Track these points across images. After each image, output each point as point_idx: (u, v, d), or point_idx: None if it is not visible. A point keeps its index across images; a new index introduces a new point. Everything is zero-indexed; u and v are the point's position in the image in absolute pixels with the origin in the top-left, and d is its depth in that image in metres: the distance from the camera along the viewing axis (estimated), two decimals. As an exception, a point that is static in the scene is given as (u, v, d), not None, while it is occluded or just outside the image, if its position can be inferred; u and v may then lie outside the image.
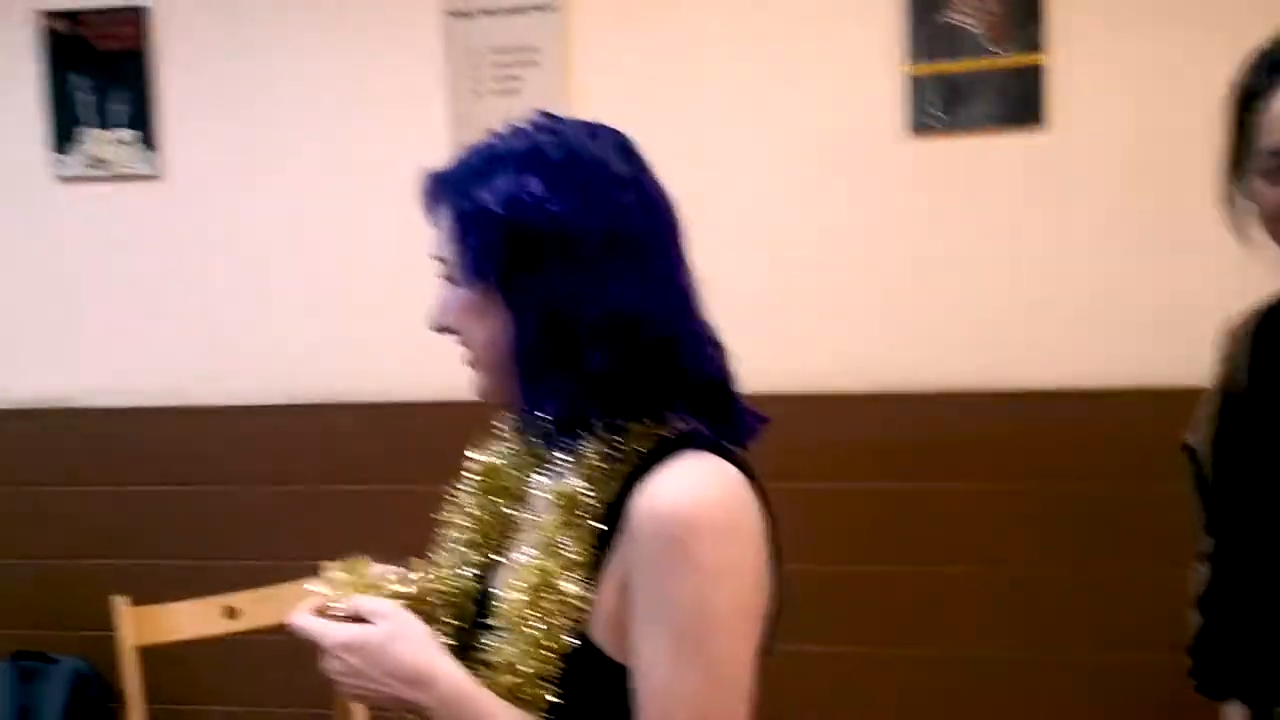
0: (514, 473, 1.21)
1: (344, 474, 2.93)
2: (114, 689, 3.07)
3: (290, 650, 3.04)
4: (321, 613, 1.09)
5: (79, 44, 3.03)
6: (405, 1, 2.88)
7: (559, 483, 1.08)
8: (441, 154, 2.83)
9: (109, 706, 3.06)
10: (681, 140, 2.43)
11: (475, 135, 2.78)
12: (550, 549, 1.05)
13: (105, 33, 3.01)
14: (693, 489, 1.02)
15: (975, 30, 2.64)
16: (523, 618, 1.03)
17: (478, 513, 1.21)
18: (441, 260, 1.13)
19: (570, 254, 1.05)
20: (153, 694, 2.40)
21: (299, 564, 2.80)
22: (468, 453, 1.25)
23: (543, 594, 1.03)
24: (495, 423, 1.24)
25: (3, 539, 3.11)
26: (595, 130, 1.12)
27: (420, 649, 1.06)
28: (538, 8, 2.79)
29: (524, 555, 1.07)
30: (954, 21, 2.65)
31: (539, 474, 1.16)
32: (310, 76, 2.95)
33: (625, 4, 2.80)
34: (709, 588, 1.00)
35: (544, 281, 1.05)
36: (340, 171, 2.96)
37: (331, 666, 1.07)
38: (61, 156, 3.06)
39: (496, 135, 1.13)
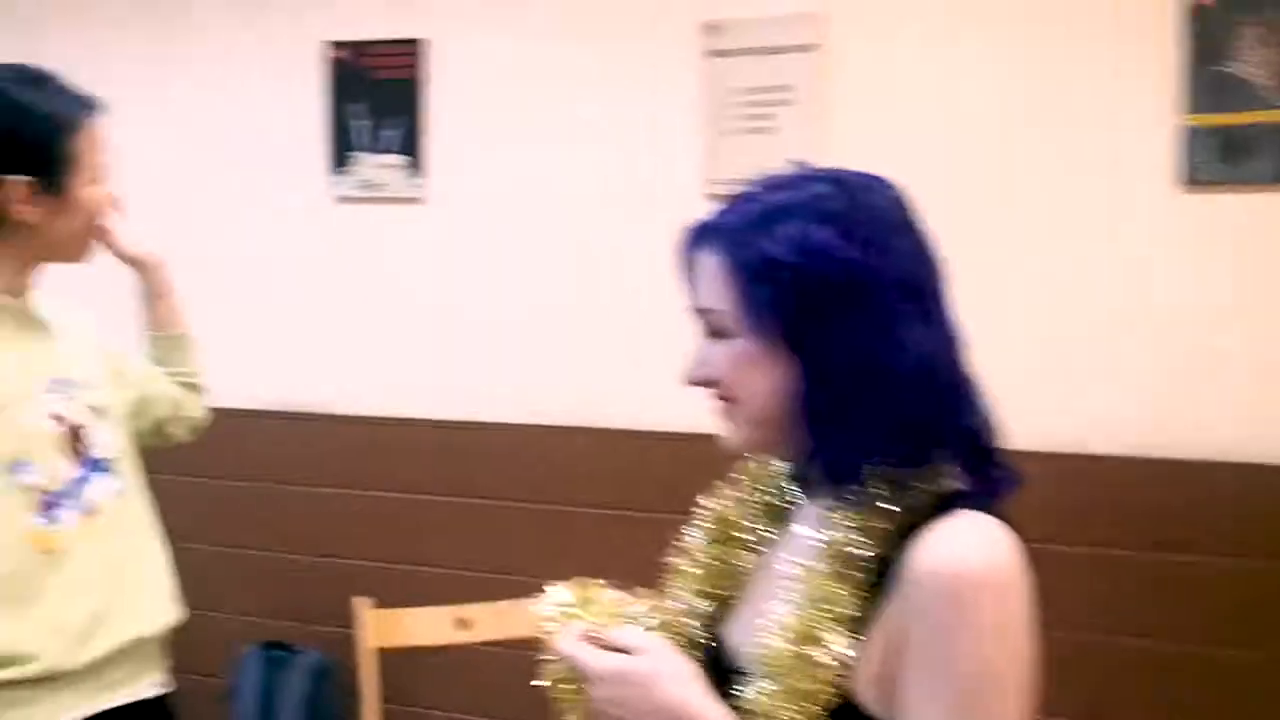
0: (746, 523, 1.21)
1: (582, 497, 2.99)
2: (349, 684, 3.23)
3: (514, 664, 3.10)
4: (587, 638, 1.10)
5: (359, 73, 3.22)
6: (666, 39, 2.93)
7: (828, 534, 1.06)
8: (693, 190, 2.92)
9: (344, 701, 3.21)
10: (939, 188, 2.37)
11: (726, 173, 2.85)
12: (817, 601, 1.03)
13: (384, 63, 3.20)
14: (977, 549, 1.00)
15: (1259, 81, 2.49)
16: (786, 669, 1.02)
17: (707, 560, 1.21)
18: (707, 312, 1.12)
19: (862, 303, 1.04)
20: (385, 694, 2.50)
21: (529, 580, 2.90)
22: (700, 500, 1.25)
23: (807, 646, 1.02)
24: (733, 471, 1.24)
25: (258, 532, 3.32)
26: (868, 177, 1.11)
27: (688, 689, 1.05)
28: (799, 48, 2.80)
29: (786, 605, 1.06)
30: (1235, 71, 2.50)
31: (800, 524, 1.15)
32: (571, 110, 3.04)
33: (885, 43, 2.77)
34: (992, 649, 0.98)
35: (835, 331, 1.04)
36: (595, 203, 3.03)
37: (597, 694, 1.08)
38: (338, 178, 3.26)
39: (763, 185, 1.12)
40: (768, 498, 1.22)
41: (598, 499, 3.01)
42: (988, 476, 1.08)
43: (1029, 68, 2.66)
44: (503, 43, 3.10)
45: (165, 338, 2.04)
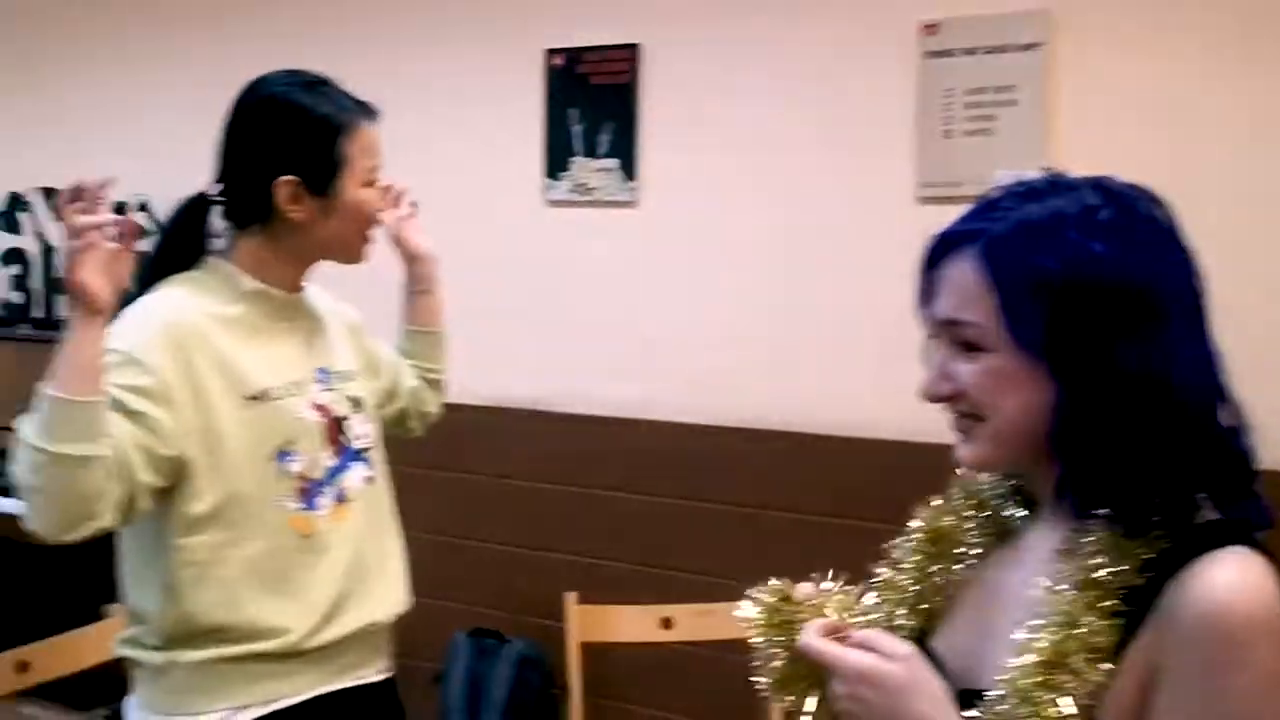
0: (960, 538, 1.18)
1: (788, 502, 2.98)
2: (554, 676, 3.31)
3: (716, 666, 3.12)
4: (831, 634, 1.07)
5: (576, 79, 3.29)
6: (883, 41, 2.89)
7: (1079, 559, 1.02)
8: (906, 194, 2.86)
9: (549, 692, 3.29)
10: (1171, 195, 2.26)
11: (941, 176, 2.78)
12: (1067, 626, 0.99)
13: (600, 68, 3.26)
14: (1252, 590, 0.95)
15: None
16: (1032, 691, 0.98)
17: (916, 573, 1.18)
18: (955, 324, 1.07)
19: (1138, 321, 0.99)
20: (587, 687, 2.55)
21: (730, 584, 2.91)
22: (914, 511, 1.22)
23: (1056, 671, 0.98)
24: (948, 484, 1.21)
25: (474, 523, 3.43)
26: (1133, 187, 1.06)
27: (938, 705, 1.02)
28: (1023, 47, 2.71)
29: (1032, 629, 1.01)
30: None
31: (1032, 544, 1.11)
32: (783, 113, 3.03)
33: (1112, 41, 2.66)
34: (1264, 691, 0.93)
35: (1106, 350, 0.99)
36: (806, 208, 3.01)
37: (839, 691, 1.04)
38: (552, 182, 3.34)
39: (1017, 193, 1.07)
40: (985, 513, 1.19)
41: (803, 504, 2.99)
42: (1245, 507, 1.02)
43: (1264, 66, 2.51)
44: (715, 47, 3.12)
45: (423, 333, 2.10)
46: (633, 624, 2.56)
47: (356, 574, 1.76)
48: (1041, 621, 1.00)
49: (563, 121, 3.31)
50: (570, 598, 2.53)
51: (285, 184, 1.68)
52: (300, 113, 1.70)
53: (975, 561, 1.17)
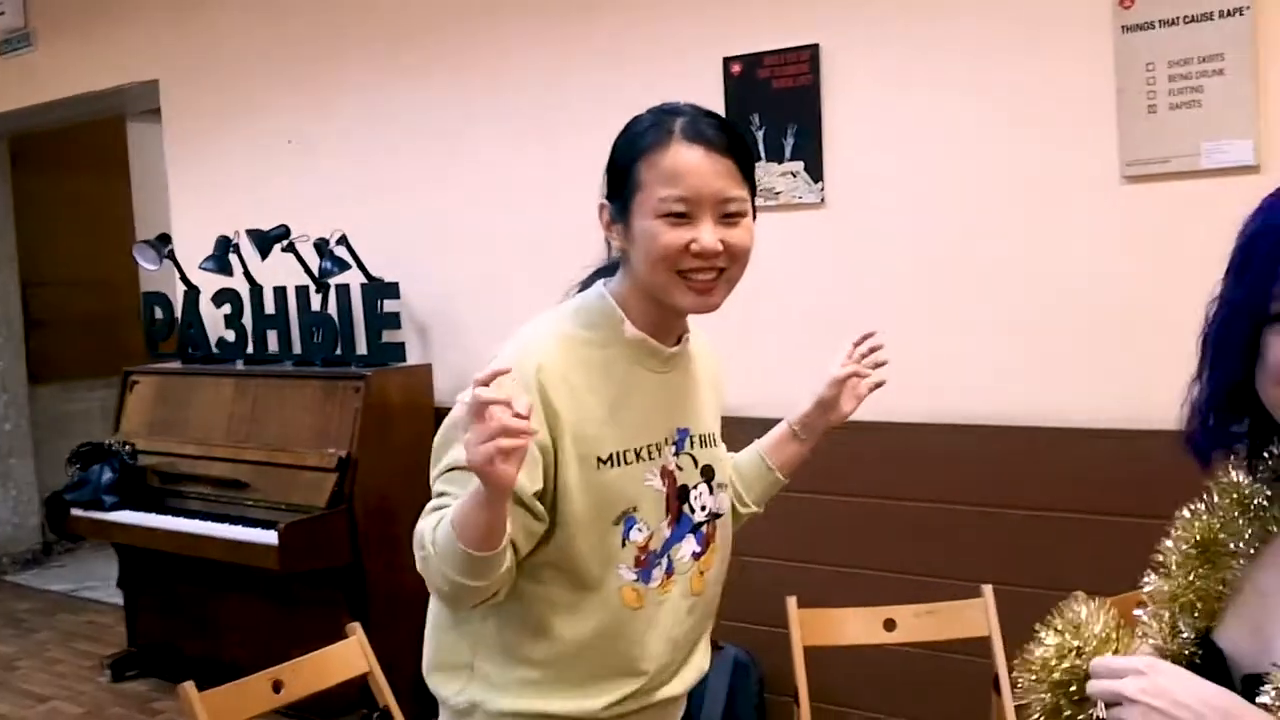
0: (1227, 544, 1.13)
1: (999, 497, 2.92)
2: (765, 681, 3.32)
3: (934, 667, 3.07)
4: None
5: (757, 84, 3.30)
6: (1075, 19, 2.81)
7: None
8: (1110, 175, 2.77)
9: (762, 695, 3.31)
10: None
11: (1146, 154, 2.69)
12: None
13: (781, 71, 3.26)
14: None
15: None
16: None
17: (1188, 582, 1.14)
18: None
19: None
20: (811, 692, 2.54)
21: (951, 583, 2.87)
22: (1178, 513, 1.18)
23: None
24: (1207, 482, 1.17)
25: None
26: None
27: (1230, 696, 0.96)
28: (1225, 13, 2.60)
29: None
30: None
31: None
32: (970, 104, 2.98)
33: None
34: None
35: None
36: (1003, 199, 2.95)
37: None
38: (738, 188, 3.35)
39: None
40: (1250, 514, 1.14)
41: (1022, 499, 2.93)
42: None
43: None
44: (896, 42, 3.08)
45: (772, 475, 1.85)
46: (855, 626, 2.54)
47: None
48: None
49: (745, 127, 3.32)
50: (791, 602, 2.52)
51: (601, 207, 1.59)
52: (622, 133, 1.58)
53: (1246, 564, 1.13)
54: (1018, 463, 2.94)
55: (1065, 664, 1.10)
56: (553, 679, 1.57)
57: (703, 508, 1.65)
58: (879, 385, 1.85)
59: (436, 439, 1.59)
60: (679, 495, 1.61)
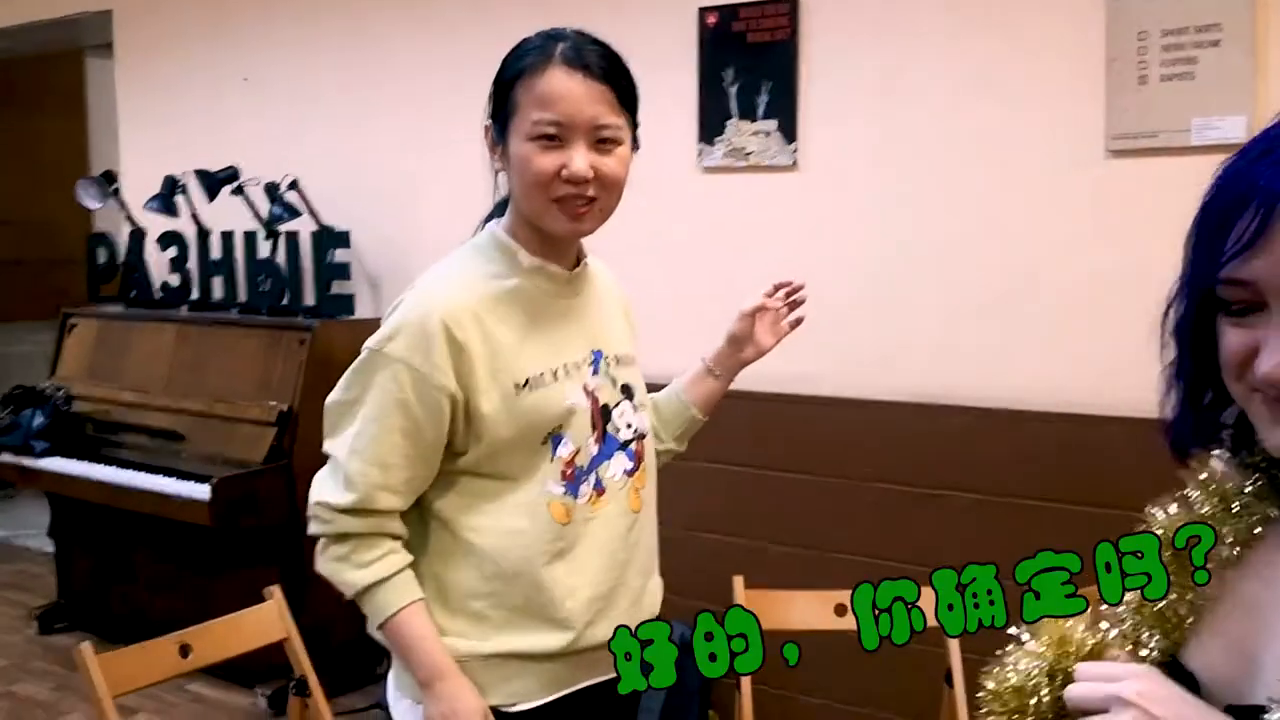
0: (1204, 549, 0.99)
1: (963, 479, 2.79)
2: (714, 661, 3.20)
3: (884, 656, 2.95)
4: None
5: (732, 37, 3.14)
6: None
7: None
8: (1094, 148, 2.64)
9: (706, 679, 3.19)
10: None
11: (1134, 127, 2.56)
12: None
13: (758, 25, 3.10)
14: None
15: None
16: None
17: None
18: None
19: None
20: (754, 675, 2.42)
21: (903, 566, 2.76)
22: (1147, 519, 1.04)
23: None
24: (1190, 484, 1.03)
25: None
26: None
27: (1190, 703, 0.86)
28: (1228, -20, 2.47)
29: None
30: None
31: None
32: (952, 67, 2.84)
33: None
34: None
35: None
36: (981, 167, 2.81)
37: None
38: (707, 147, 3.20)
39: None
40: (1232, 516, 1.00)
41: (975, 482, 2.80)
42: None
43: None
44: (874, 2, 2.93)
45: (690, 415, 1.86)
46: (804, 610, 2.42)
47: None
48: None
49: (718, 83, 3.17)
50: (737, 582, 2.40)
51: (486, 128, 1.59)
52: (509, 54, 1.57)
53: (1227, 571, 0.99)
54: (979, 443, 2.81)
55: (1049, 690, 0.95)
56: (501, 608, 1.56)
57: (628, 425, 1.64)
58: (799, 322, 1.87)
59: (334, 404, 1.59)
60: (602, 414, 1.60)
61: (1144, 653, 0.98)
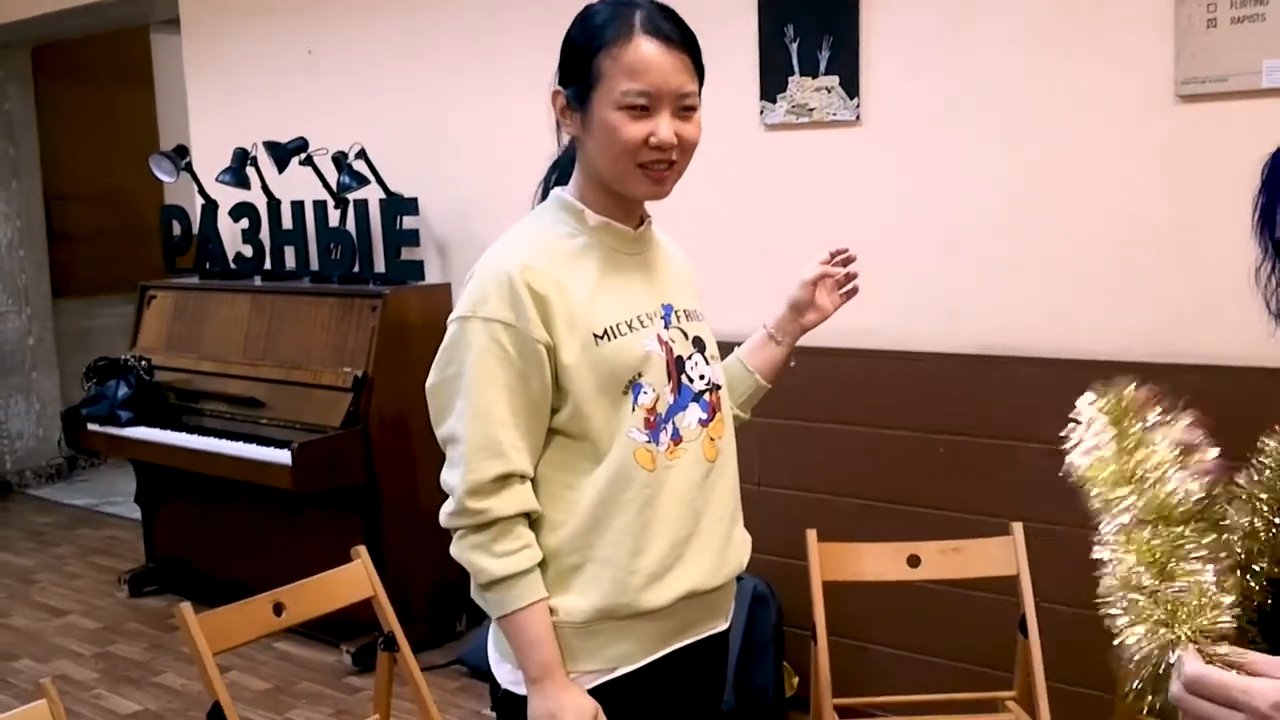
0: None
1: (1032, 430, 2.80)
2: (783, 610, 3.24)
3: (958, 605, 2.96)
4: (1206, 659, 0.89)
5: (792, -7, 3.13)
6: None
7: None
8: (1163, 95, 2.61)
9: (780, 627, 3.23)
10: None
11: (1203, 72, 2.53)
12: None
13: (818, -19, 3.09)
14: None
15: None
16: None
17: (1272, 517, 1.02)
18: None
19: None
20: (828, 625, 2.45)
21: (979, 519, 2.77)
22: (1262, 447, 1.05)
23: None
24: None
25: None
26: None
27: None
28: (1299, -83, 2.42)
29: None
30: None
31: None
32: (1016, 16, 2.81)
33: None
34: None
35: None
36: (1048, 117, 2.79)
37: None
38: (770, 105, 3.20)
39: None
40: None
41: (1045, 433, 2.80)
42: None
43: None
44: (941, -52, 2.91)
45: (754, 383, 1.87)
46: (876, 563, 2.45)
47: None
48: None
49: (779, 39, 3.17)
50: (811, 535, 2.43)
51: (556, 93, 1.62)
52: (578, 22, 1.60)
53: None
54: (1047, 393, 2.81)
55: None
56: (588, 563, 1.59)
57: (701, 376, 1.67)
58: (854, 292, 1.92)
59: (437, 385, 1.60)
60: (676, 365, 1.64)
61: (1250, 577, 1.00)
